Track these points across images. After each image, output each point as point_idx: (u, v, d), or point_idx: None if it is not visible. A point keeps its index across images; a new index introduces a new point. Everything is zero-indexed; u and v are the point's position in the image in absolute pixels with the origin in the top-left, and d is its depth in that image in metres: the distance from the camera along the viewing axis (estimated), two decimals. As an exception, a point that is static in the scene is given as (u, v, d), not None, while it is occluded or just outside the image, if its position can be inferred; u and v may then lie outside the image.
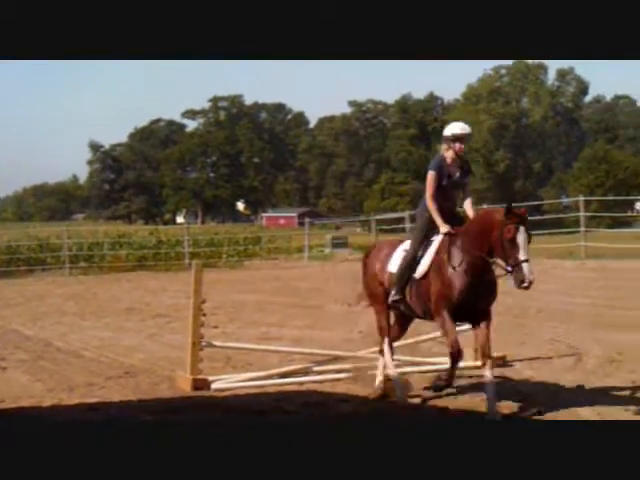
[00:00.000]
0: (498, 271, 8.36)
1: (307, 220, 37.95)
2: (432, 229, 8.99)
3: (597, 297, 17.30)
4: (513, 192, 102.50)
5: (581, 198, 29.46)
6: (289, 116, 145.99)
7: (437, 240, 8.85)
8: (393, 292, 9.10)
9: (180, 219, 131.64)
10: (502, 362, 10.75)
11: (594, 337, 12.64)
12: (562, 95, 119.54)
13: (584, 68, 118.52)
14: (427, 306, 8.75)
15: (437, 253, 8.73)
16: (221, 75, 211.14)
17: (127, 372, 10.96)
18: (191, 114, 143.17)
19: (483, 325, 8.50)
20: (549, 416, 8.03)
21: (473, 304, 8.45)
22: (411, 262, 8.93)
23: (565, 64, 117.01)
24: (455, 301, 8.40)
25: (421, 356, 11.02)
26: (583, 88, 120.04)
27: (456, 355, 8.53)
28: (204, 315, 9.75)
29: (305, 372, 10.40)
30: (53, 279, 28.28)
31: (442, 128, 9.47)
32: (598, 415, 8.01)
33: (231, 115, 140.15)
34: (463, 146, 9.07)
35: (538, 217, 48.47)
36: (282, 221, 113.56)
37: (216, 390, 9.63)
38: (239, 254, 35.60)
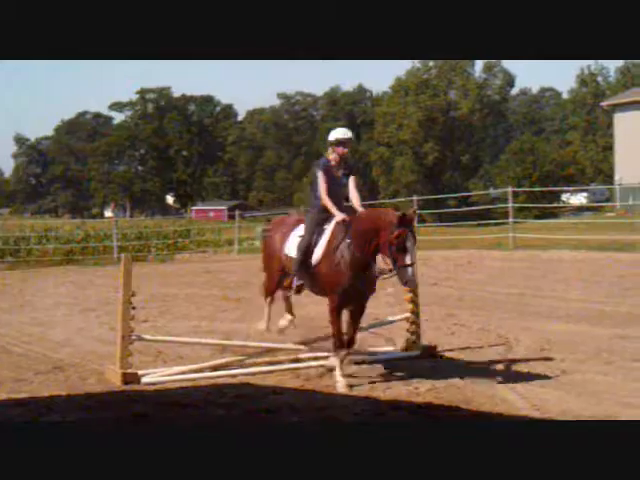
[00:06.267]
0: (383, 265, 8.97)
1: (237, 213, 37.74)
2: (324, 219, 9.57)
3: (525, 287, 17.57)
4: (442, 184, 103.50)
5: (509, 189, 29.83)
6: (218, 108, 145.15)
7: (330, 228, 9.45)
8: (296, 278, 9.93)
9: (108, 213, 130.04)
10: (433, 352, 10.83)
11: (523, 326, 12.82)
12: (489, 87, 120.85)
13: (510, 61, 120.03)
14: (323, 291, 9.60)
15: (329, 242, 9.36)
16: (149, 67, 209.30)
17: (56, 367, 10.79)
18: (118, 106, 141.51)
19: (357, 317, 9.46)
20: (486, 408, 8.09)
21: (354, 296, 9.24)
22: (306, 249, 9.53)
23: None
24: (341, 291, 9.16)
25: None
26: (509, 80, 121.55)
27: (337, 343, 9.33)
28: (134, 308, 9.63)
29: (237, 365, 10.34)
30: (-22, 274, 27.72)
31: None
32: (533, 407, 8.08)
33: (159, 107, 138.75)
34: (346, 150, 9.70)
35: (466, 209, 48.99)
36: (212, 214, 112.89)
37: (147, 384, 9.53)
38: (169, 247, 35.34)
